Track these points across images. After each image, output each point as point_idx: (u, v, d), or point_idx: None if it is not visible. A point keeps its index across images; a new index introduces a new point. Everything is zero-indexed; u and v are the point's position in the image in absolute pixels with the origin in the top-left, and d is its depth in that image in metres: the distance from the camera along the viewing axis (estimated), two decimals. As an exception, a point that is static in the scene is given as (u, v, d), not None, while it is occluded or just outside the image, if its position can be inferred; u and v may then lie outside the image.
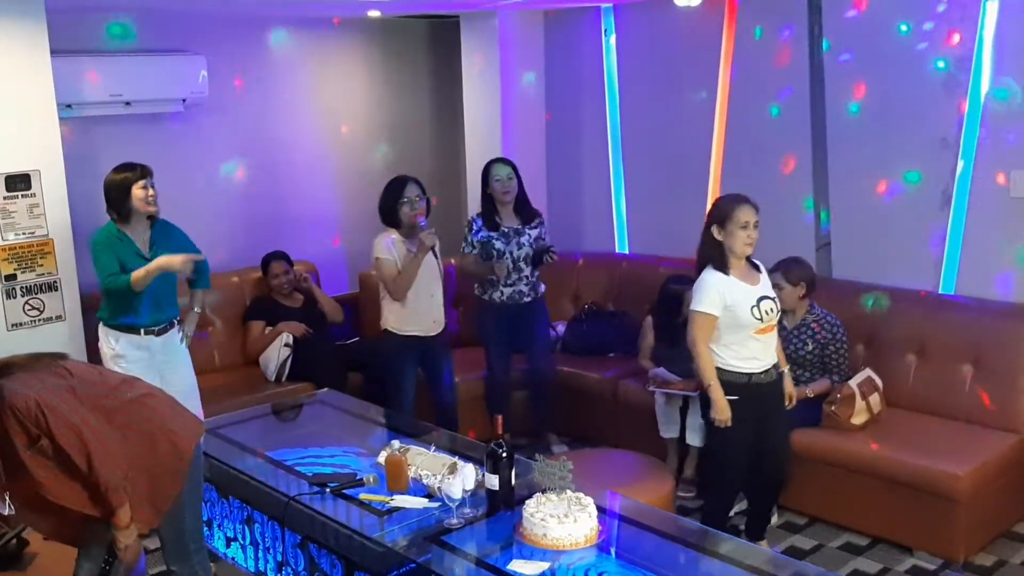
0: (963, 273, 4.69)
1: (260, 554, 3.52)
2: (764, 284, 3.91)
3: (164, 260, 4.08)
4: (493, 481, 3.10)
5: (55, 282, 4.57)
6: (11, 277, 4.46)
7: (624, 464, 4.31)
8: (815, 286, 4.57)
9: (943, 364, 4.53)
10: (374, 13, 5.83)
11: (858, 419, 4.36)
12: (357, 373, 5.46)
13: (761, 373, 3.85)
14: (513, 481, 3.13)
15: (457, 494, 3.04)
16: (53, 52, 4.47)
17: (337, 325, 5.74)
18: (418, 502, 3.21)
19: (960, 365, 4.49)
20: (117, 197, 4.12)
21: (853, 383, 4.39)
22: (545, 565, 2.79)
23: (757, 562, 2.87)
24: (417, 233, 4.61)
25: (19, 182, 4.44)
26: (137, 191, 4.11)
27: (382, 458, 3.48)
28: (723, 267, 3.81)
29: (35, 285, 4.53)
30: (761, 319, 3.79)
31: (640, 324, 5.39)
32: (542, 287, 5.23)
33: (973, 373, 4.45)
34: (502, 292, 5.09)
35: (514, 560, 2.83)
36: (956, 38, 4.54)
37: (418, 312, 4.72)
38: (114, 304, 4.17)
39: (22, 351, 3.02)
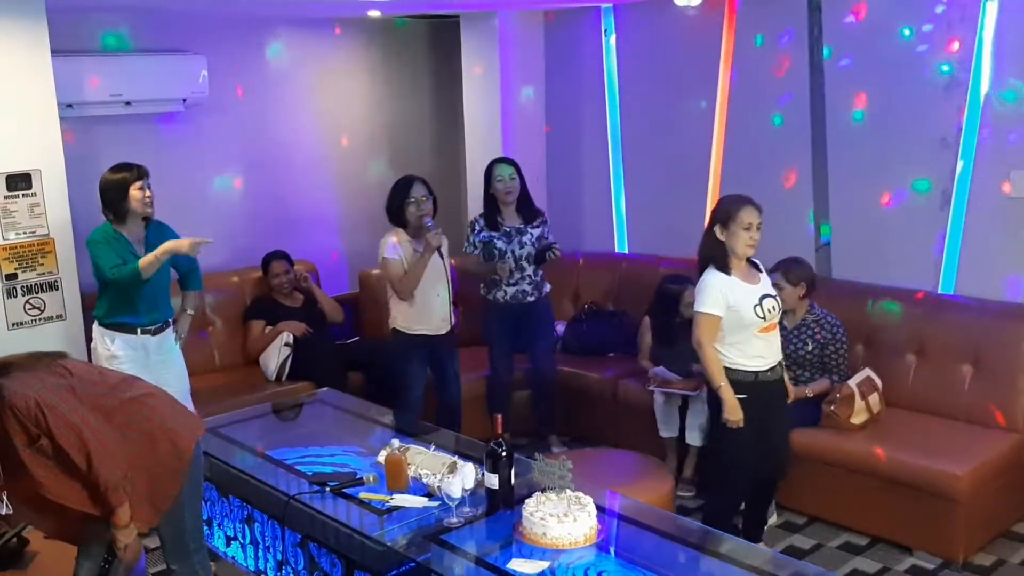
0: (963, 273, 4.69)
1: (260, 553, 3.53)
2: (765, 283, 3.92)
3: (173, 243, 4.08)
4: (493, 480, 3.11)
5: (56, 281, 4.58)
6: (12, 276, 4.46)
7: (624, 463, 4.32)
8: (815, 286, 4.57)
9: (943, 364, 4.53)
10: (374, 13, 5.83)
11: (857, 419, 4.36)
12: (357, 372, 5.47)
13: (767, 371, 3.85)
14: (513, 480, 3.13)
15: (457, 493, 3.04)
16: (53, 52, 4.48)
17: (337, 325, 5.75)
18: (418, 501, 3.22)
19: (960, 365, 4.49)
20: (114, 197, 4.12)
21: (852, 383, 4.39)
22: (544, 564, 2.79)
23: (756, 561, 2.87)
24: (424, 233, 4.62)
25: (20, 181, 4.44)
26: (135, 192, 4.11)
27: (382, 457, 3.49)
28: (724, 267, 3.81)
29: (36, 284, 4.53)
30: (764, 317, 3.80)
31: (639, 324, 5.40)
32: (547, 286, 5.23)
33: (973, 373, 4.46)
34: (505, 292, 5.09)
35: (513, 559, 2.83)
36: (956, 41, 4.53)
37: (425, 312, 4.73)
38: (113, 301, 4.17)
39: (23, 350, 3.03)
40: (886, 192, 4.88)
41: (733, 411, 3.77)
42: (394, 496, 3.25)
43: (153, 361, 4.23)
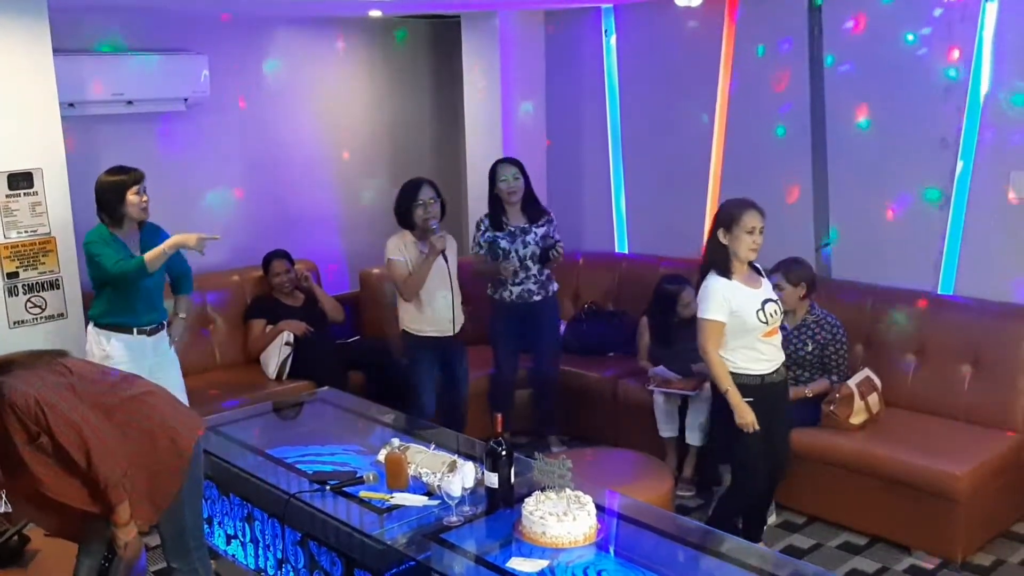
0: (962, 273, 4.69)
1: (260, 551, 3.53)
2: (766, 287, 3.93)
3: (180, 237, 4.07)
4: (492, 479, 3.11)
5: (57, 280, 4.59)
6: (13, 275, 4.47)
7: (623, 463, 4.33)
8: (815, 286, 4.58)
9: (942, 364, 4.54)
10: (375, 13, 5.84)
11: (857, 419, 4.37)
12: (358, 372, 5.47)
13: (772, 373, 3.87)
14: (512, 479, 3.14)
15: (457, 492, 3.05)
16: (55, 51, 4.48)
17: (338, 324, 5.75)
18: (418, 500, 3.22)
19: (959, 365, 4.49)
20: (111, 200, 4.10)
21: (852, 383, 4.40)
22: (544, 563, 2.80)
23: (755, 561, 2.88)
24: (430, 235, 4.63)
25: (21, 180, 4.45)
26: (132, 197, 4.09)
27: (382, 456, 3.49)
28: (726, 271, 3.81)
29: (37, 283, 4.54)
30: (767, 322, 3.80)
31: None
32: (554, 286, 5.23)
33: (972, 373, 4.46)
34: (511, 291, 5.10)
35: (513, 558, 2.83)
36: (957, 42, 4.53)
37: (430, 313, 4.74)
38: (111, 302, 4.16)
39: (23, 349, 3.04)
40: (887, 192, 4.88)
41: (744, 414, 3.76)
42: (394, 495, 3.25)
43: (149, 363, 4.19)
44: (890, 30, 4.76)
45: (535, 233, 5.09)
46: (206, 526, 3.59)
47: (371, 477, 3.38)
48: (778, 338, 3.92)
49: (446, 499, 3.08)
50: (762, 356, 3.84)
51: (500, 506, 3.13)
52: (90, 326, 4.26)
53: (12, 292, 4.47)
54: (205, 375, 5.25)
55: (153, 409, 3.07)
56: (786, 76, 5.20)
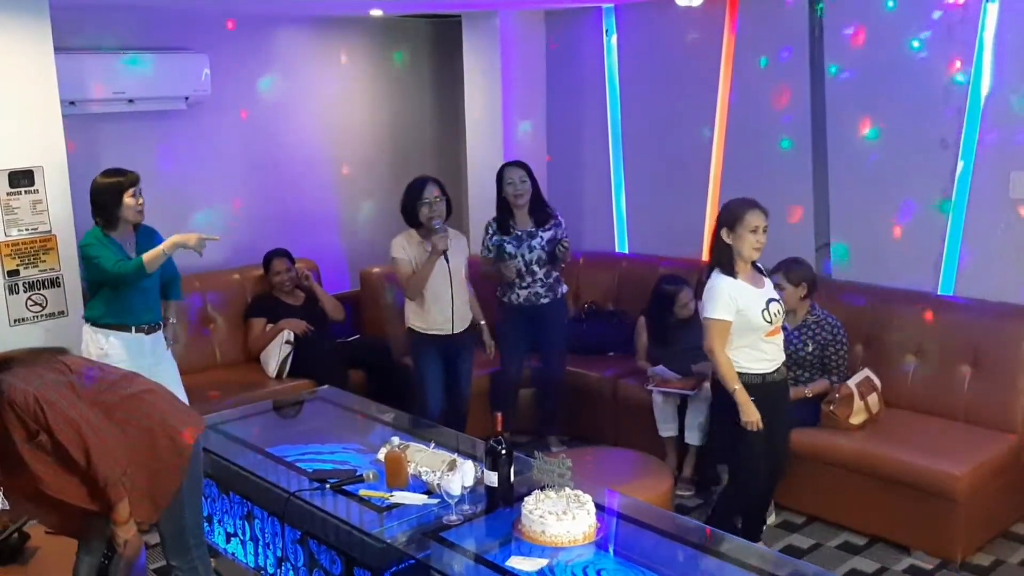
0: (963, 274, 4.69)
1: (260, 550, 3.54)
2: (769, 287, 3.94)
3: (180, 237, 4.06)
4: (492, 478, 3.11)
5: (57, 278, 4.59)
6: (14, 273, 4.47)
7: (623, 462, 4.33)
8: (816, 286, 4.58)
9: (942, 364, 4.54)
10: (376, 12, 5.84)
11: (856, 419, 4.37)
12: (358, 370, 5.48)
13: (774, 372, 3.87)
14: (512, 478, 3.14)
15: (456, 491, 3.05)
16: (56, 49, 4.49)
17: (338, 323, 5.75)
18: (417, 498, 3.22)
19: (959, 365, 4.49)
20: (107, 202, 4.09)
21: (851, 383, 4.40)
22: (543, 562, 2.80)
23: (755, 561, 2.88)
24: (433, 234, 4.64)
25: (22, 178, 4.46)
26: (128, 199, 4.09)
27: (382, 455, 3.49)
28: (730, 271, 3.82)
29: (37, 281, 4.54)
30: (771, 322, 3.81)
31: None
32: (563, 288, 5.24)
33: (972, 373, 4.46)
34: (519, 294, 5.11)
35: (513, 556, 2.83)
36: (958, 46, 4.53)
37: (432, 311, 4.75)
38: (109, 304, 4.15)
39: (24, 346, 3.04)
40: (890, 198, 4.87)
41: (751, 413, 3.77)
42: (394, 493, 3.25)
43: (147, 363, 4.15)
44: (891, 36, 4.75)
45: (541, 237, 5.09)
46: (206, 524, 3.59)
47: (371, 476, 3.38)
48: (780, 338, 3.92)
49: (446, 498, 3.08)
50: (764, 356, 3.84)
51: (500, 505, 3.13)
52: (86, 326, 4.25)
53: (12, 290, 4.47)
54: (205, 374, 5.25)
55: (153, 407, 3.08)
56: (786, 73, 5.20)
